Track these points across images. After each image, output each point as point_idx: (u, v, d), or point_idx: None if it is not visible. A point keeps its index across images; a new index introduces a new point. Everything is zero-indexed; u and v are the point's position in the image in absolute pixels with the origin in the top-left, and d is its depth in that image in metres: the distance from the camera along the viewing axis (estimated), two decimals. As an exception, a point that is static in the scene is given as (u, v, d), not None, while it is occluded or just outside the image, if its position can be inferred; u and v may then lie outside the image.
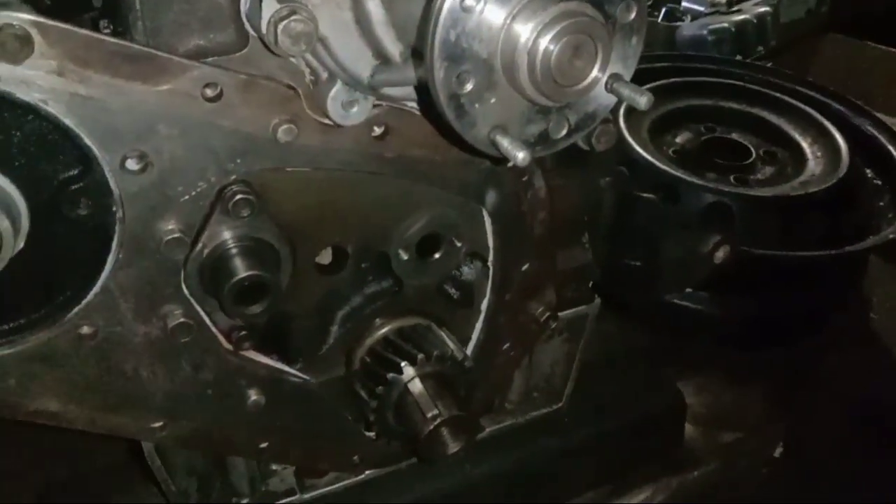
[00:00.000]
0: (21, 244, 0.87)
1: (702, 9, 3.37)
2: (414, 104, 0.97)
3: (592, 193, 1.23)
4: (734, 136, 2.42)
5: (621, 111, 2.32)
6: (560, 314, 1.34)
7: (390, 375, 1.11)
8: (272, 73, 0.92)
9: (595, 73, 0.70)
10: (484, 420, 1.45)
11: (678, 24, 3.25)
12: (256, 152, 0.94)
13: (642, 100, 0.70)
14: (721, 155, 2.30)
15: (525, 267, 1.23)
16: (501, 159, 0.74)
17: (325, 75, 0.90)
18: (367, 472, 1.34)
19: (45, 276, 0.92)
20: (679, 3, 3.42)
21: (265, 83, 0.90)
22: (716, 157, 2.28)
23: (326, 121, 0.95)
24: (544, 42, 0.65)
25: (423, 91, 0.71)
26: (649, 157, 2.16)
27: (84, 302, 0.94)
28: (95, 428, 1.03)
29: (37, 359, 0.95)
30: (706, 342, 2.02)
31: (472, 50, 0.66)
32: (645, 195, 1.24)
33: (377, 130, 0.99)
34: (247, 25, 0.88)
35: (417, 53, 0.77)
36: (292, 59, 0.91)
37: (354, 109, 0.92)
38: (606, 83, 0.71)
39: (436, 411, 1.08)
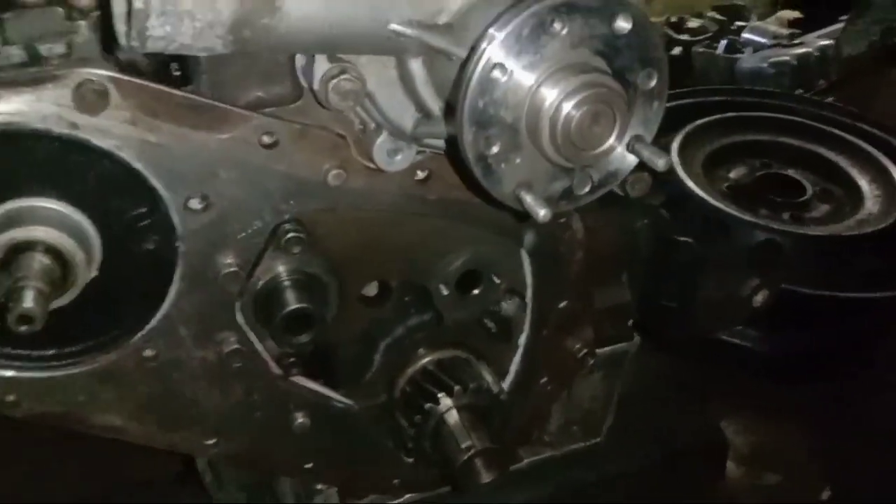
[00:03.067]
0: (94, 273, 0.96)
1: (764, 41, 3.35)
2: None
3: (630, 235, 1.27)
4: (790, 172, 2.41)
5: (675, 144, 2.35)
6: (598, 351, 1.37)
7: (428, 405, 1.16)
8: (324, 122, 0.99)
9: (612, 140, 0.74)
10: (522, 451, 1.49)
11: (738, 56, 3.24)
12: (308, 195, 1.01)
13: (660, 162, 0.75)
14: (776, 191, 2.29)
15: (562, 304, 1.27)
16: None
17: (372, 125, 0.97)
18: (406, 495, 1.40)
19: (113, 303, 1.01)
20: (739, 34, 3.41)
21: (317, 132, 0.98)
22: (770, 194, 2.27)
23: (373, 166, 1.02)
24: (566, 109, 0.70)
25: (453, 146, 0.77)
26: (701, 192, 2.18)
27: (147, 327, 1.02)
28: (154, 443, 1.12)
29: (104, 378, 1.03)
30: (753, 378, 2.01)
31: (499, 115, 0.72)
32: (682, 239, 1.27)
33: (420, 175, 1.05)
34: (301, 79, 0.95)
35: (450, 110, 0.83)
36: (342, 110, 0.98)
37: (399, 157, 0.98)
38: (628, 144, 0.76)
39: (469, 442, 1.13)
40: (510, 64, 0.70)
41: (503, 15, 0.69)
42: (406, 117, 0.93)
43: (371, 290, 1.20)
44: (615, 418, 1.53)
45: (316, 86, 0.87)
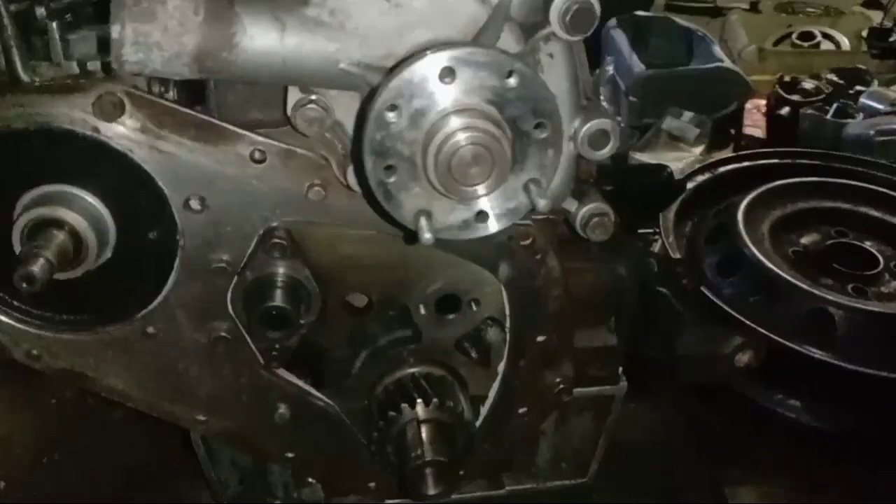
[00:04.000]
0: (109, 255, 1.14)
1: (881, 107, 3.21)
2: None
3: (614, 280, 1.31)
4: (867, 244, 2.31)
5: (743, 204, 2.32)
6: (583, 391, 1.41)
7: (391, 413, 1.26)
8: (312, 144, 1.12)
9: (487, 181, 0.82)
10: (506, 479, 1.54)
11: (847, 121, 3.12)
12: (291, 207, 1.14)
13: (541, 203, 0.81)
14: (844, 262, 2.20)
15: (540, 338, 1.32)
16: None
17: (344, 151, 1.09)
18: (386, 500, 1.48)
19: (124, 282, 1.18)
20: (856, 100, 3.27)
21: (302, 153, 1.11)
22: (837, 264, 2.19)
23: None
24: (448, 145, 0.79)
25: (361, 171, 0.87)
26: (757, 253, 2.14)
27: (149, 307, 1.19)
28: (152, 411, 1.28)
29: (111, 346, 1.21)
30: (789, 447, 1.94)
31: (396, 148, 0.81)
32: (661, 289, 1.29)
33: (397, 199, 1.16)
34: (292, 106, 1.09)
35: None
36: (327, 135, 1.11)
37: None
38: (524, 185, 0.83)
39: (420, 451, 1.21)
40: (403, 105, 0.80)
41: (402, 62, 0.79)
42: (373, 146, 1.04)
43: (357, 300, 1.31)
44: (611, 461, 1.55)
45: (288, 111, 1.00)
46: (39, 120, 1.05)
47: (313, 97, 0.98)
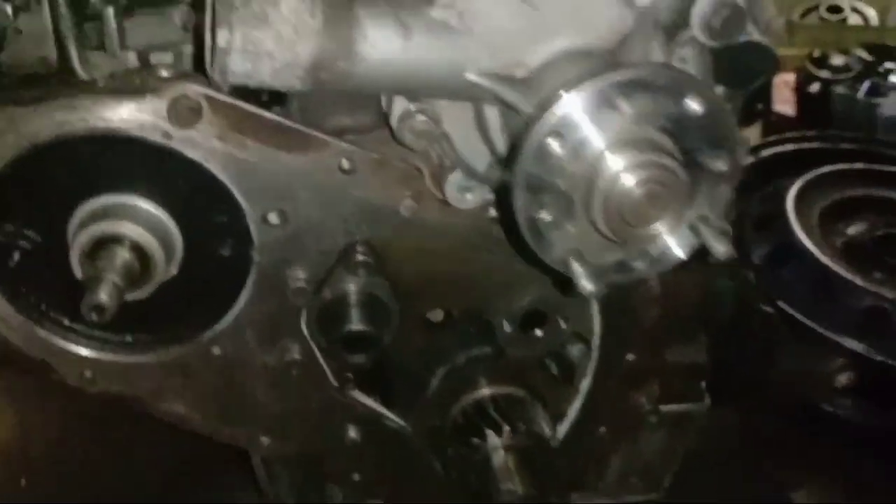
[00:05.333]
0: (174, 271, 1.02)
1: (914, 85, 3.12)
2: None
3: (712, 296, 1.22)
4: (915, 235, 2.23)
5: (793, 190, 2.23)
6: (665, 408, 1.33)
7: (476, 441, 1.17)
8: (403, 153, 1.00)
9: (664, 223, 0.71)
10: (576, 495, 1.46)
11: (881, 100, 3.03)
12: (380, 221, 1.03)
13: (721, 249, 0.71)
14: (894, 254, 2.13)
15: (630, 357, 1.24)
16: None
17: (447, 162, 0.98)
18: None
19: (188, 300, 1.07)
20: (885, 77, 3.18)
21: (394, 163, 1.00)
22: (888, 256, 2.12)
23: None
24: (622, 184, 0.68)
25: (505, 199, 0.76)
26: (811, 248, 2.06)
27: (217, 327, 1.08)
28: (213, 434, 1.18)
29: (173, 368, 1.10)
30: (847, 450, 1.89)
31: (553, 182, 0.71)
32: (764, 307, 1.21)
33: (493, 213, 1.05)
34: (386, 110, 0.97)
35: (508, 165, 0.83)
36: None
37: (470, 196, 0.98)
38: (692, 224, 0.73)
39: (510, 486, 1.12)
40: (570, 134, 0.69)
41: (569, 84, 0.68)
42: (480, 159, 0.93)
43: (436, 315, 1.21)
44: (680, 478, 1.48)
45: (393, 123, 0.88)
46: (101, 125, 0.92)
47: (423, 107, 0.87)
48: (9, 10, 0.93)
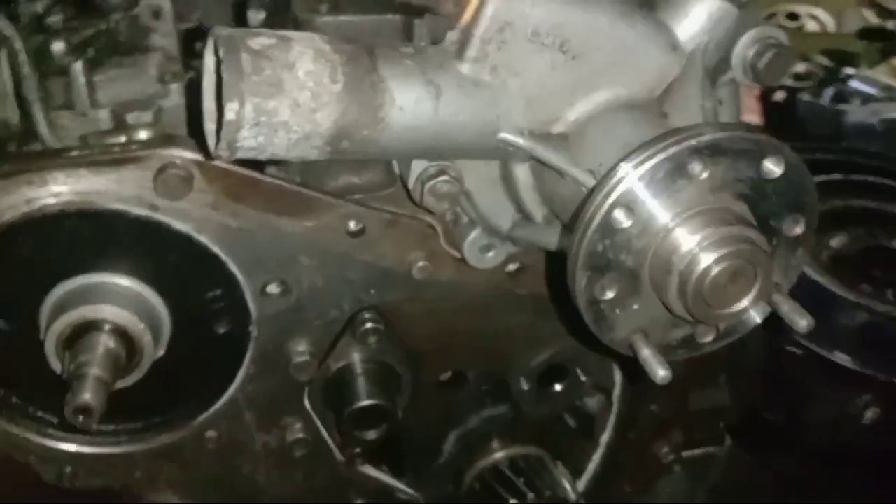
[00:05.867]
0: (161, 352, 0.91)
1: (873, 91, 3.14)
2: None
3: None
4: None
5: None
6: (687, 454, 1.26)
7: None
8: (414, 210, 0.91)
9: (748, 301, 0.64)
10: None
11: (845, 108, 3.04)
12: (391, 285, 0.94)
13: (802, 323, 0.64)
14: (881, 266, 2.11)
15: (653, 407, 1.17)
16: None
17: (465, 219, 0.89)
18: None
19: (178, 383, 0.96)
20: (846, 82, 3.20)
21: (407, 221, 0.91)
22: (875, 269, 2.09)
23: (462, 257, 0.94)
24: (701, 263, 0.61)
25: (560, 271, 0.68)
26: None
27: (212, 409, 0.97)
28: (211, 522, 1.06)
29: (163, 456, 0.99)
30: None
31: (619, 260, 0.63)
32: (790, 349, 1.15)
33: (511, 268, 0.97)
34: (396, 167, 0.88)
35: (566, 229, 0.75)
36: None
37: (490, 254, 0.90)
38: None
39: (541, 558, 1.04)
40: (639, 207, 0.61)
41: (636, 152, 0.60)
42: (504, 217, 0.85)
43: (447, 375, 1.12)
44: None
45: (410, 184, 0.79)
46: (76, 200, 0.81)
47: (445, 165, 0.78)
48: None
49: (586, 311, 0.65)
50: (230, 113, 0.60)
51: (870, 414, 1.20)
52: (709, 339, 0.71)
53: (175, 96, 0.95)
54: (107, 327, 0.85)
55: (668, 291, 0.62)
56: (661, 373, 0.63)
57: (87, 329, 0.84)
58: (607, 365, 1.13)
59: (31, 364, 0.87)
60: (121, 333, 0.85)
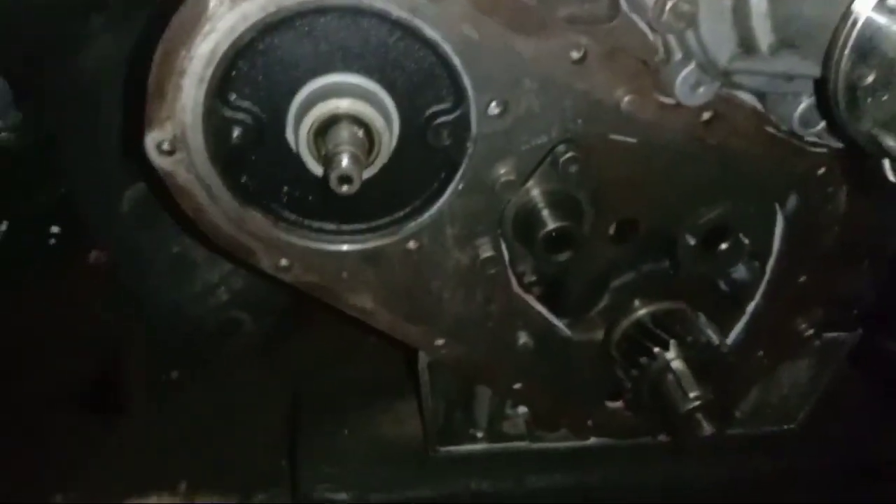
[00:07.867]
0: (385, 160, 1.01)
1: None
2: (746, 96, 1.02)
3: (891, 223, 1.22)
4: None
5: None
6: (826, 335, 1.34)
7: (656, 350, 1.17)
8: (629, 46, 0.99)
9: None
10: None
11: None
12: (598, 117, 1.02)
13: None
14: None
15: (802, 279, 1.24)
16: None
17: (678, 56, 0.97)
18: (592, 439, 1.41)
19: (394, 192, 1.06)
20: None
21: (624, 55, 0.98)
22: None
23: (664, 98, 1.02)
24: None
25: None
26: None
27: (419, 220, 1.07)
28: (393, 332, 1.17)
29: (368, 259, 1.09)
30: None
31: (881, 49, 0.70)
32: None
33: (705, 116, 1.04)
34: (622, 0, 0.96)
35: (792, 47, 0.82)
36: (649, 37, 0.99)
37: (701, 90, 0.98)
38: None
39: (697, 392, 1.13)
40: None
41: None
42: (723, 50, 0.92)
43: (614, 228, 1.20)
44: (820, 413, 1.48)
45: (650, 2, 0.87)
46: (349, -5, 0.90)
47: (687, -12, 0.86)
48: None
49: (843, 96, 0.72)
50: None
51: None
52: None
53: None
54: (355, 118, 0.95)
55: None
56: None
57: (338, 119, 0.94)
58: (768, 230, 1.20)
59: (271, 158, 0.98)
60: (365, 126, 0.95)
